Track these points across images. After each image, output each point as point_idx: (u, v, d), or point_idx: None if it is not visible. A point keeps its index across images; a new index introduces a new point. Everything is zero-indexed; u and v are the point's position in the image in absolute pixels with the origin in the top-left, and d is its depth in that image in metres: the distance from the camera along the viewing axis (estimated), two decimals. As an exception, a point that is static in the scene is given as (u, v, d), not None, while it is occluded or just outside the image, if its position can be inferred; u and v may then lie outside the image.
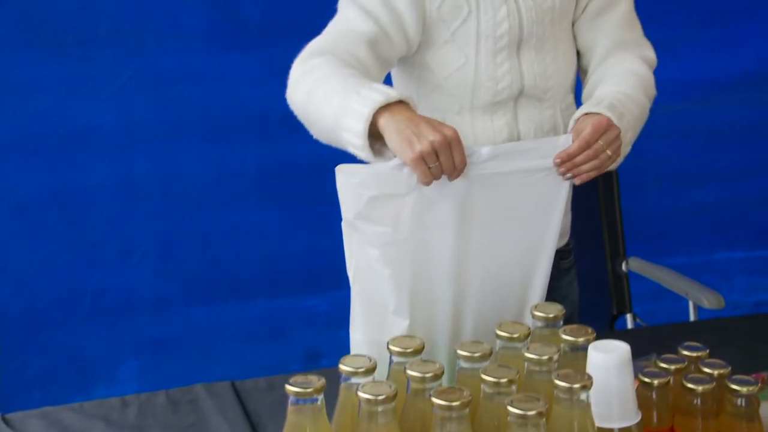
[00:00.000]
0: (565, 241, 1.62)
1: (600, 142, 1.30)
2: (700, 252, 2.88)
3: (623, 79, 1.47)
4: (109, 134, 2.50)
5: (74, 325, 2.55)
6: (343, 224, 1.26)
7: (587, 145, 1.29)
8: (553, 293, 1.52)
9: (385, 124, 1.21)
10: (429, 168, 1.20)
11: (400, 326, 1.25)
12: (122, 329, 2.59)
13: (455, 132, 1.22)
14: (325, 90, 1.30)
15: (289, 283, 2.71)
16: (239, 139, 2.56)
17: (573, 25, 1.54)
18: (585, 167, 1.30)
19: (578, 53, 1.56)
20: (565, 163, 1.29)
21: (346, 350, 1.32)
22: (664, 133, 2.51)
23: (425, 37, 1.44)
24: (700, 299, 2.07)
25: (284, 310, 2.73)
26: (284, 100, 2.56)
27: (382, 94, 1.23)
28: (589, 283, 1.88)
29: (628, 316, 2.29)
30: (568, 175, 1.30)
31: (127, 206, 2.54)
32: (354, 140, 1.24)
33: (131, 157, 2.52)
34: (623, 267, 2.30)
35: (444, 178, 1.23)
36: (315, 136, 1.38)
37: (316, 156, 2.56)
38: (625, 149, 1.39)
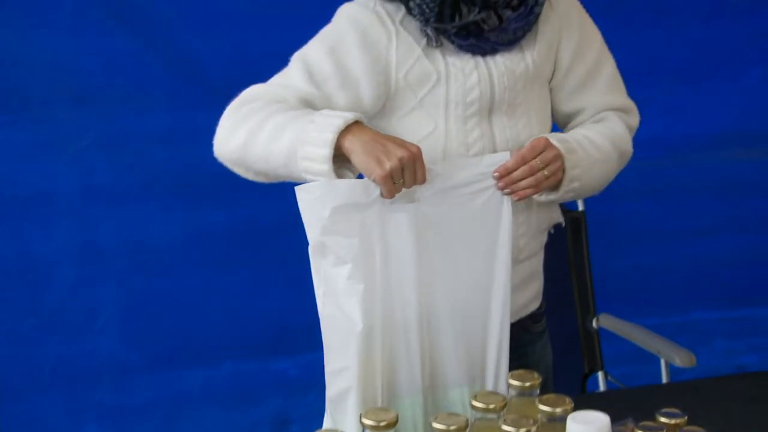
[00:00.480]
0: (537, 304, 1.60)
1: (537, 160, 1.33)
2: (675, 312, 2.87)
3: (591, 126, 1.49)
4: (72, 197, 2.46)
5: (34, 395, 2.48)
6: (311, 250, 1.26)
7: (523, 161, 1.32)
8: (526, 358, 1.50)
9: (351, 145, 1.24)
10: (394, 184, 1.23)
11: (371, 344, 1.25)
12: (84, 398, 2.52)
13: (419, 149, 1.26)
14: (271, 127, 1.31)
15: (258, 346, 2.66)
16: (205, 201, 2.53)
17: (553, 90, 1.53)
18: (522, 183, 1.32)
19: (562, 115, 1.55)
20: (503, 177, 1.32)
21: (317, 415, 1.30)
22: (637, 191, 2.52)
23: (390, 104, 1.42)
24: (671, 357, 2.06)
25: (252, 373, 2.67)
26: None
27: (338, 117, 1.26)
28: (561, 342, 1.86)
29: (600, 374, 2.28)
30: (507, 191, 1.32)
31: (89, 271, 2.49)
32: (317, 167, 1.26)
33: (94, 221, 2.48)
34: (594, 324, 2.29)
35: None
36: (251, 177, 1.39)
37: (281, 215, 2.54)
38: (572, 185, 1.39)
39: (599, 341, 2.30)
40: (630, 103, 1.57)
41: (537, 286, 1.58)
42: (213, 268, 2.57)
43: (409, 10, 1.40)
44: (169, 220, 2.52)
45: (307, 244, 1.28)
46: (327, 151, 1.24)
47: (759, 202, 2.87)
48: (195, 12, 2.42)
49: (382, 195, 1.24)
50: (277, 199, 2.54)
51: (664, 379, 2.10)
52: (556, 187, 1.39)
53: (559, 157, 1.35)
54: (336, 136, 1.24)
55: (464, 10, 1.38)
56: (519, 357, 1.47)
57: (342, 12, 1.44)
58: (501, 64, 1.43)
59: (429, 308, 1.30)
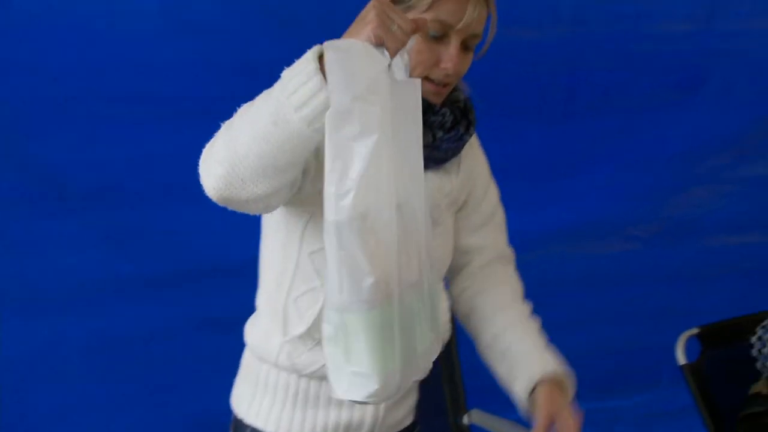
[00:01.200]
0: (411, 419, 1.59)
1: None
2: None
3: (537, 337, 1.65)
4: None
5: None
6: (329, 119, 1.08)
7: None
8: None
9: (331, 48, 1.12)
10: (392, 31, 1.12)
11: (389, 230, 1.12)
12: None
13: None
14: (251, 111, 1.16)
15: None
16: (57, 312, 2.40)
17: (460, 220, 1.54)
18: None
19: (460, 250, 1.57)
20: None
21: None
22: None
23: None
24: (542, 451, 2.06)
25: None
26: (107, 266, 2.44)
27: (309, 52, 1.13)
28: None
29: (475, 473, 2.26)
30: None
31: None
32: (308, 86, 1.10)
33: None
34: (465, 420, 2.28)
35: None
36: (248, 192, 1.17)
37: (141, 326, 2.46)
38: None
39: (472, 438, 2.29)
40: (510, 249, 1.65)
41: (412, 401, 1.59)
42: (68, 383, 2.44)
43: None
44: (19, 334, 2.37)
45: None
46: (313, 66, 1.09)
47: (617, 293, 2.97)
48: (51, 118, 2.31)
49: (389, 54, 1.12)
50: (137, 310, 2.47)
51: (537, 475, 2.10)
52: None
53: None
54: (317, 55, 1.10)
55: None
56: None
57: None
58: (431, 180, 1.43)
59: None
